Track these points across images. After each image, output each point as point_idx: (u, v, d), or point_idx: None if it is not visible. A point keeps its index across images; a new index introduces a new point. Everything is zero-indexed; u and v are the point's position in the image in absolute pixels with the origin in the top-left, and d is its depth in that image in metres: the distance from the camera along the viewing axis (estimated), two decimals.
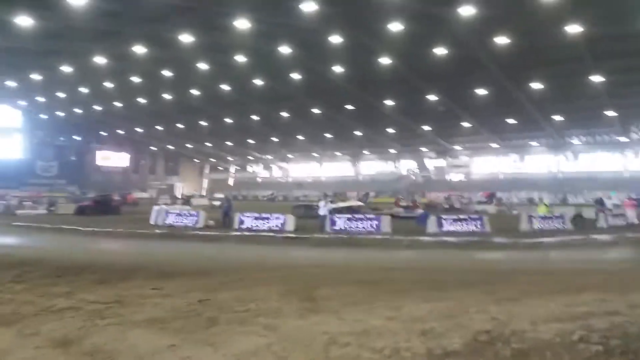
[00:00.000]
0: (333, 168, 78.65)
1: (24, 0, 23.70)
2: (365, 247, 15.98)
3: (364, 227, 19.99)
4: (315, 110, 51.20)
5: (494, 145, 60.94)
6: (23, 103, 62.23)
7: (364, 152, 72.73)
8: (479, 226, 19.98)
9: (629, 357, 4.08)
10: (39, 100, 56.04)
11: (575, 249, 16.15)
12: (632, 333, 4.63)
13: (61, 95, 50.87)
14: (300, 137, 66.36)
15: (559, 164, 58.57)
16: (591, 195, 44.37)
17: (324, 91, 43.33)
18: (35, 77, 41.70)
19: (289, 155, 79.77)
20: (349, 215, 21.46)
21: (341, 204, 28.46)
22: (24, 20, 25.37)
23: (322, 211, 21.47)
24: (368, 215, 21.91)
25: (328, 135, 64.03)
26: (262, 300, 6.67)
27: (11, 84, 45.38)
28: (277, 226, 20.66)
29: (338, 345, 4.75)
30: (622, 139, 52.44)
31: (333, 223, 20.37)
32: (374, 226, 20.05)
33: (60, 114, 63.54)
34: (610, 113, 44.11)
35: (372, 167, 75.45)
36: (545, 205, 26.56)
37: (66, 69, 38.19)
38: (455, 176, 66.15)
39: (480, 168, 65.34)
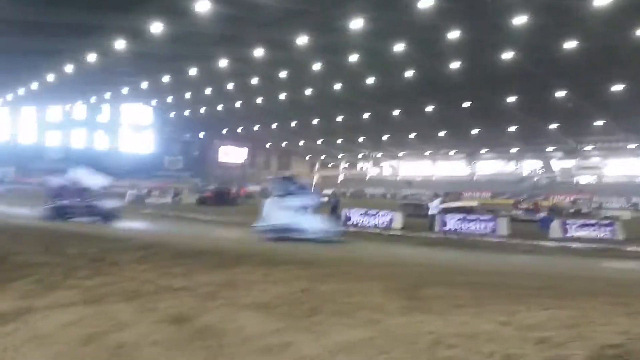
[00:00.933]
0: (446, 167, 76.25)
1: (157, 8, 25.97)
2: (477, 249, 15.11)
3: (477, 229, 19.01)
4: (429, 108, 49.97)
5: (631, 146, 54.88)
6: (154, 102, 68.61)
7: (481, 151, 69.51)
8: (609, 233, 18.04)
9: None
10: (167, 100, 61.40)
11: None
12: None
13: (187, 95, 55.21)
14: (411, 135, 65.26)
15: None
16: None
17: (438, 88, 42.15)
18: (165, 78, 45.66)
19: (400, 154, 78.85)
20: (461, 216, 20.54)
21: (453, 204, 27.37)
22: (156, 27, 27.85)
23: (433, 210, 20.80)
24: (482, 217, 20.81)
25: (441, 134, 62.14)
26: (365, 294, 6.56)
27: (144, 85, 50.16)
28: (384, 223, 20.46)
29: (444, 346, 4.49)
30: None
31: (443, 223, 19.65)
32: (489, 228, 18.97)
33: (187, 112, 69.06)
34: None
35: (490, 167, 71.88)
36: None
37: (192, 71, 41.31)
38: (584, 178, 60.76)
39: (614, 170, 59.25)
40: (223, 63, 37.86)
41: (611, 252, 14.97)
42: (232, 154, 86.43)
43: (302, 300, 6.09)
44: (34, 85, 46.01)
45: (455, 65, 36.36)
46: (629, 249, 15.56)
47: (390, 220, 20.48)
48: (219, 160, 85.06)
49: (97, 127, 73.58)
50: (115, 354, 4.11)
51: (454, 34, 29.23)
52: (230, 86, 48.07)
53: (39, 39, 29.10)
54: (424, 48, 32.97)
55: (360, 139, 72.41)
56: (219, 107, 61.08)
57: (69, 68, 38.09)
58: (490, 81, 39.39)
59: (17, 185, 53.05)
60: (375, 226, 20.23)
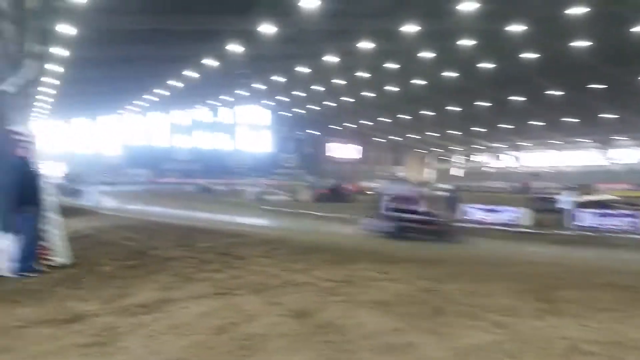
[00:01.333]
0: (576, 156, 70.13)
1: (268, 9, 27.05)
2: (618, 247, 13.68)
3: (617, 225, 17.20)
4: (553, 92, 46.20)
5: None
6: (270, 103, 71.88)
7: (616, 137, 62.80)
8: None
9: None
10: (282, 100, 63.82)
11: None
12: None
13: (299, 94, 56.90)
14: (535, 123, 60.92)
15: None
16: None
17: (564, 70, 38.71)
18: (278, 79, 47.47)
19: (522, 143, 74.04)
20: (599, 211, 18.71)
21: (588, 197, 25.05)
22: (267, 29, 29.05)
23: (565, 205, 19.31)
24: (624, 211, 18.80)
25: (569, 120, 57.15)
26: (492, 295, 6.21)
27: (260, 86, 52.64)
28: (509, 220, 19.39)
29: (581, 353, 4.11)
30: None
31: (578, 219, 18.10)
32: (632, 224, 17.06)
33: (300, 111, 71.28)
34: None
35: (627, 154, 64.72)
36: None
37: (302, 70, 42.45)
38: None
39: None
40: (332, 59, 38.36)
41: None
42: (343, 150, 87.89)
43: (423, 300, 5.93)
44: (163, 92, 50.50)
45: (583, 43, 33.14)
46: None
47: (517, 216, 19.36)
48: (331, 156, 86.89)
49: (219, 129, 79.14)
50: (245, 344, 4.32)
51: (580, 9, 26.66)
52: (340, 82, 48.63)
53: (167, 48, 31.91)
54: (545, 27, 30.47)
55: (477, 130, 69.18)
56: (330, 104, 62.13)
57: (192, 74, 41.17)
58: (625, 59, 35.29)
59: (151, 185, 58.94)
60: (500, 223, 19.23)
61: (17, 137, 7.79)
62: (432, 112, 60.23)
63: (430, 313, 5.31)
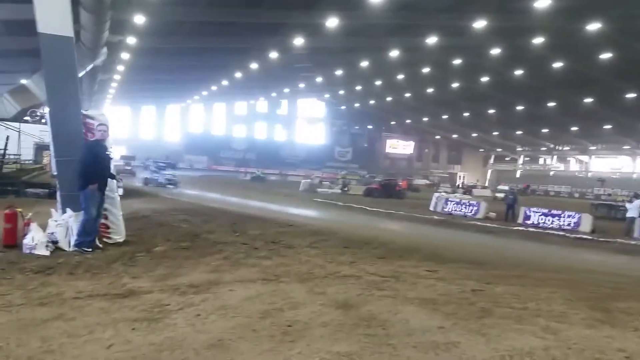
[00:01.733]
0: None
1: (334, 4, 27.02)
2: None
3: None
4: (629, 95, 43.51)
5: None
6: (327, 96, 72.00)
7: None
8: None
9: None
10: (339, 93, 63.72)
11: None
12: None
13: (358, 88, 56.58)
14: (606, 127, 57.67)
15: None
16: None
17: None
18: (338, 72, 47.34)
19: (591, 147, 70.36)
20: None
21: None
22: (332, 22, 28.97)
23: (631, 213, 18.25)
24: None
25: None
26: (543, 301, 5.97)
27: (319, 79, 52.75)
28: (569, 225, 18.56)
29: None
30: None
31: None
32: None
33: (356, 105, 70.93)
34: None
35: None
36: None
37: (363, 63, 42.13)
38: None
39: None
40: (394, 53, 37.87)
41: None
42: (399, 146, 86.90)
43: (471, 300, 5.77)
44: (224, 82, 51.59)
45: None
46: None
47: (577, 222, 18.49)
48: (386, 152, 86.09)
49: (277, 120, 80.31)
50: (287, 330, 4.39)
51: None
52: (400, 77, 47.98)
53: (229, 40, 32.56)
54: (624, 25, 28.71)
55: (543, 131, 66.36)
56: (388, 99, 61.48)
57: (253, 66, 41.84)
58: None
59: (208, 172, 60.64)
60: (560, 228, 18.45)
61: (91, 121, 8.22)
62: (496, 110, 58.34)
63: (477, 314, 5.17)
